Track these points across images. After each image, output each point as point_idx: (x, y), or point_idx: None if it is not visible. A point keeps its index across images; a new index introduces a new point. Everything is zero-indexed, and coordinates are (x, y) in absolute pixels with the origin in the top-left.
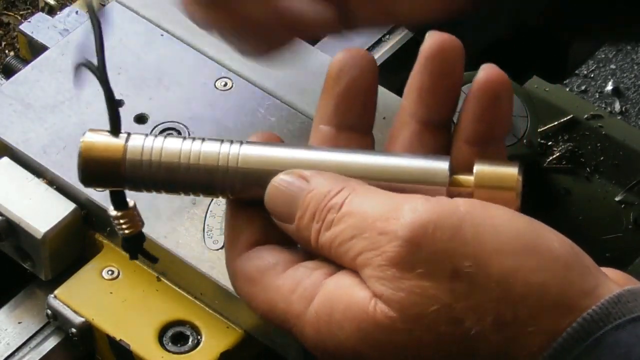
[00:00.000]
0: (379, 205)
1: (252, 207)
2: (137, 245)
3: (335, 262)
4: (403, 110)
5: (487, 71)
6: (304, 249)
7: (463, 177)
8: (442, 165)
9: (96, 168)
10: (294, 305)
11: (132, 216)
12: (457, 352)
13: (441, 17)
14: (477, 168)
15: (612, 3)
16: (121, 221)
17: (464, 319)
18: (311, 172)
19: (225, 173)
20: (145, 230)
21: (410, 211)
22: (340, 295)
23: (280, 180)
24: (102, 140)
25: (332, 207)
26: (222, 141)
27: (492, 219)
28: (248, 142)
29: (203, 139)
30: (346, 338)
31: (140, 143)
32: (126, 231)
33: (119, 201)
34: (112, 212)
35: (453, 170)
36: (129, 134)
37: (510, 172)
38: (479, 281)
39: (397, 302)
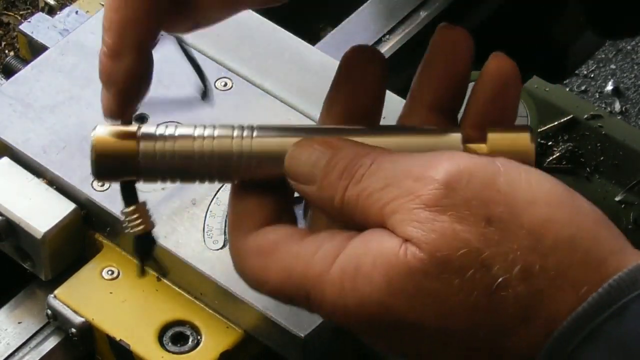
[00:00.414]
0: (413, 159)
1: (259, 190)
2: (148, 247)
3: (358, 220)
4: (412, 97)
5: (497, 59)
6: (323, 212)
7: (476, 145)
8: (454, 135)
9: (110, 160)
10: (316, 266)
11: (144, 212)
12: (484, 302)
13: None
14: (490, 135)
15: None
16: (133, 216)
17: (492, 264)
18: (335, 139)
19: (239, 157)
20: None
21: (448, 159)
22: (369, 246)
23: (304, 142)
24: (114, 131)
25: (363, 164)
26: (233, 127)
27: (527, 173)
28: (260, 126)
29: (214, 126)
30: (373, 290)
31: (153, 132)
32: (138, 228)
33: (130, 195)
34: (124, 208)
35: (466, 139)
36: (139, 125)
37: (523, 135)
38: (510, 229)
39: (428, 244)
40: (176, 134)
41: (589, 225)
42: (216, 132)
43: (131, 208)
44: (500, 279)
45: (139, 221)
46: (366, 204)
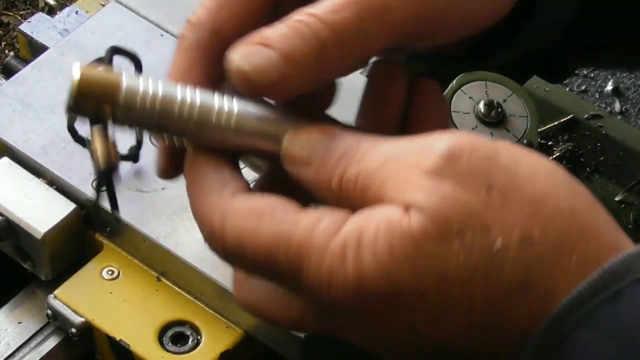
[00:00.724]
0: (413, 138)
1: (231, 161)
2: (109, 183)
3: (357, 201)
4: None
5: (420, 83)
6: (319, 195)
7: None
8: None
9: (91, 94)
10: (317, 236)
11: (112, 149)
12: (483, 266)
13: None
14: None
15: (621, 32)
16: (100, 150)
17: (491, 228)
18: (334, 128)
19: (217, 128)
20: (145, 230)
21: (450, 134)
22: (371, 218)
23: (305, 128)
24: (99, 70)
25: (362, 147)
26: (216, 94)
27: (527, 152)
28: (240, 99)
29: (197, 91)
30: (375, 258)
31: (137, 82)
32: (103, 162)
33: (100, 132)
34: (91, 143)
35: None
36: (121, 72)
37: None
38: (511, 197)
39: (429, 207)
40: (160, 92)
41: (586, 203)
42: (198, 99)
43: (99, 142)
44: (499, 243)
45: (105, 155)
46: (365, 183)
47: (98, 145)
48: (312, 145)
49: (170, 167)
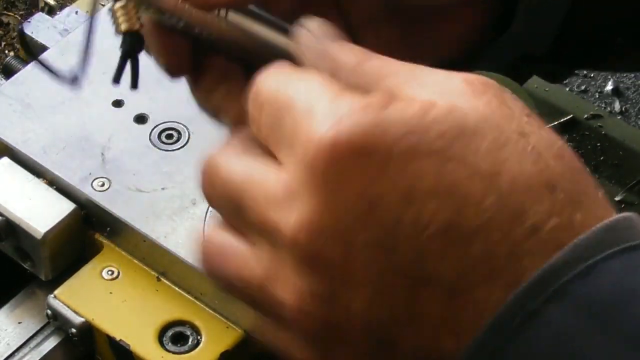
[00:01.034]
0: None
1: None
2: (135, 45)
3: (358, 83)
4: None
5: None
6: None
7: None
8: None
9: None
10: (319, 103)
11: (133, 11)
12: (497, 161)
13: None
14: None
15: (612, 36)
16: (123, 12)
17: (506, 130)
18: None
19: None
20: (145, 230)
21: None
22: (388, 100)
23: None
24: None
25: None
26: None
27: None
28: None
29: None
30: (377, 116)
31: None
32: (127, 23)
33: None
34: (113, 5)
35: None
36: None
37: None
38: (539, 133)
39: (462, 105)
40: None
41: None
42: None
43: (120, 4)
44: (516, 141)
45: (128, 17)
46: (383, 73)
47: (119, 7)
48: (318, 55)
49: (176, 62)
